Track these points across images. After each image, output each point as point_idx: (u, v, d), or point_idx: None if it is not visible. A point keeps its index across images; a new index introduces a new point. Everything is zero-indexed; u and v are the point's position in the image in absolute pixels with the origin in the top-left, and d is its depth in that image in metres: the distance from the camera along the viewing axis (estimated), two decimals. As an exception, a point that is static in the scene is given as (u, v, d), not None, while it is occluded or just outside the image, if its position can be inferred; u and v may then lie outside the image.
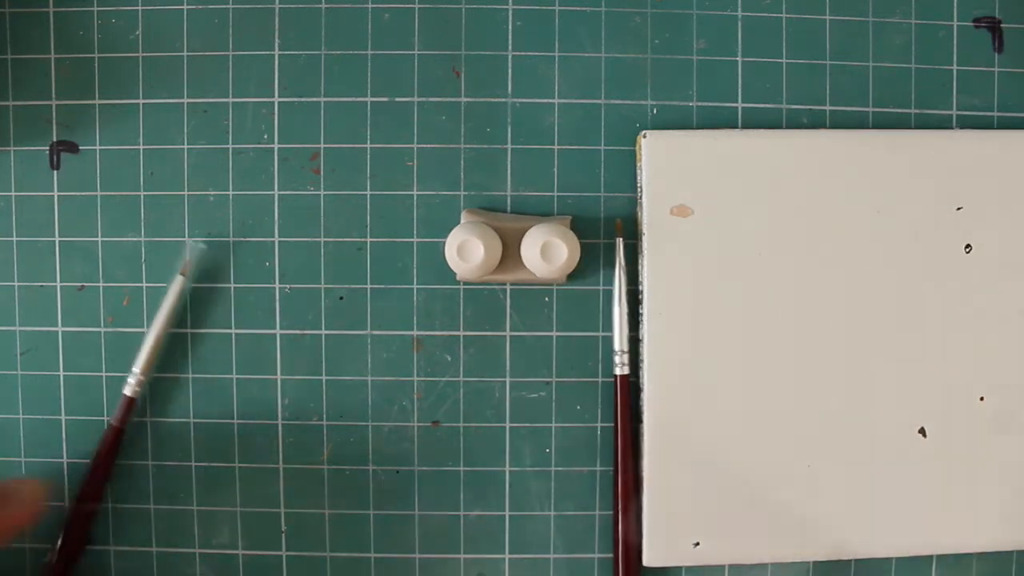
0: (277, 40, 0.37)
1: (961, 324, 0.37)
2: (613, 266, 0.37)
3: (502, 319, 0.37)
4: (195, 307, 0.37)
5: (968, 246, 0.37)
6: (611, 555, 0.38)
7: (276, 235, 0.37)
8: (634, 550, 0.36)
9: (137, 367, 0.36)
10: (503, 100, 0.37)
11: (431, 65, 0.37)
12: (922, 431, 0.37)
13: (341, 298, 0.38)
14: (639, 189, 0.36)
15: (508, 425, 0.38)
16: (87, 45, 0.37)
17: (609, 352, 0.37)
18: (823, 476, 0.36)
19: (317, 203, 0.37)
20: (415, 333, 0.38)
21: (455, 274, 0.37)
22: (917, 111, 0.38)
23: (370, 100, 0.37)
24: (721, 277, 0.36)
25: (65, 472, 0.38)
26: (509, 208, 0.37)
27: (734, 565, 0.38)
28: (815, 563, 0.38)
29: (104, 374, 0.38)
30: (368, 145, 0.37)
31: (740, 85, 0.38)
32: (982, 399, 0.37)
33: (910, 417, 0.37)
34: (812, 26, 0.38)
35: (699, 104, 0.38)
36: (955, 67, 0.38)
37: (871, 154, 0.36)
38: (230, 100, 0.37)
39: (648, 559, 0.36)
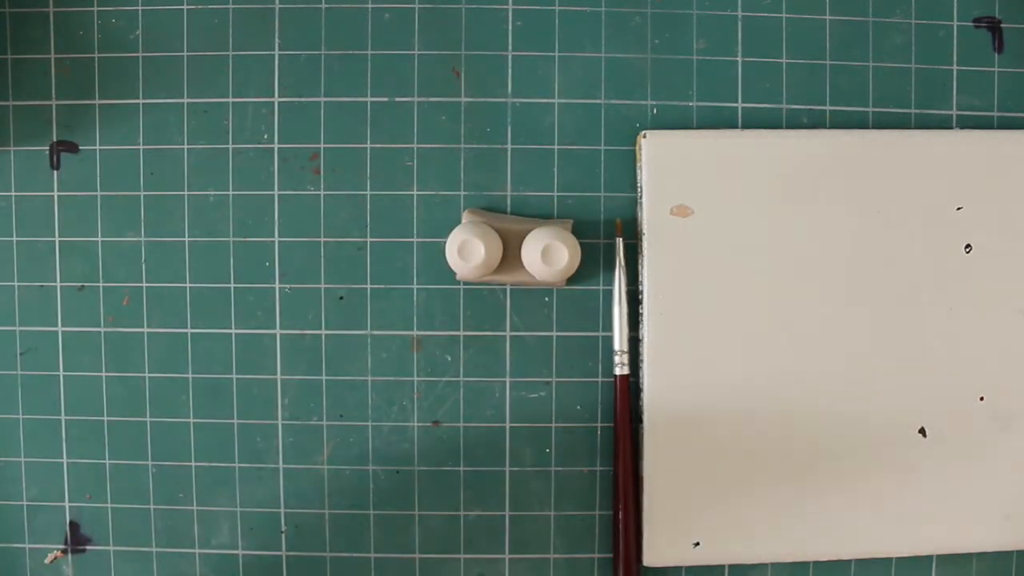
0: (277, 40, 0.37)
1: (961, 324, 0.37)
2: (613, 266, 0.37)
3: (502, 319, 0.37)
4: (195, 307, 0.38)
5: (968, 246, 0.37)
6: (611, 555, 0.38)
7: (276, 235, 0.37)
8: (634, 550, 0.36)
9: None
10: (503, 100, 0.37)
11: (431, 65, 0.37)
12: (922, 431, 0.37)
13: (341, 298, 0.38)
14: (639, 189, 0.36)
15: (508, 425, 0.38)
16: (87, 45, 0.37)
17: (609, 352, 0.37)
18: (823, 476, 0.36)
19: (317, 203, 0.37)
20: (415, 333, 0.38)
21: (455, 274, 0.37)
22: (917, 111, 0.38)
23: (370, 100, 0.37)
24: (721, 277, 0.36)
25: (65, 472, 0.38)
26: (509, 208, 0.37)
27: (734, 565, 0.38)
28: (815, 563, 0.38)
29: (104, 374, 0.38)
30: (368, 145, 0.37)
31: (740, 85, 0.38)
32: (982, 399, 0.37)
33: (910, 417, 0.37)
34: (812, 26, 0.38)
35: (699, 104, 0.38)
36: (955, 67, 0.38)
37: (871, 154, 0.36)
38: (230, 100, 0.37)
39: (648, 559, 0.36)
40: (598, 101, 0.38)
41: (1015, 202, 0.37)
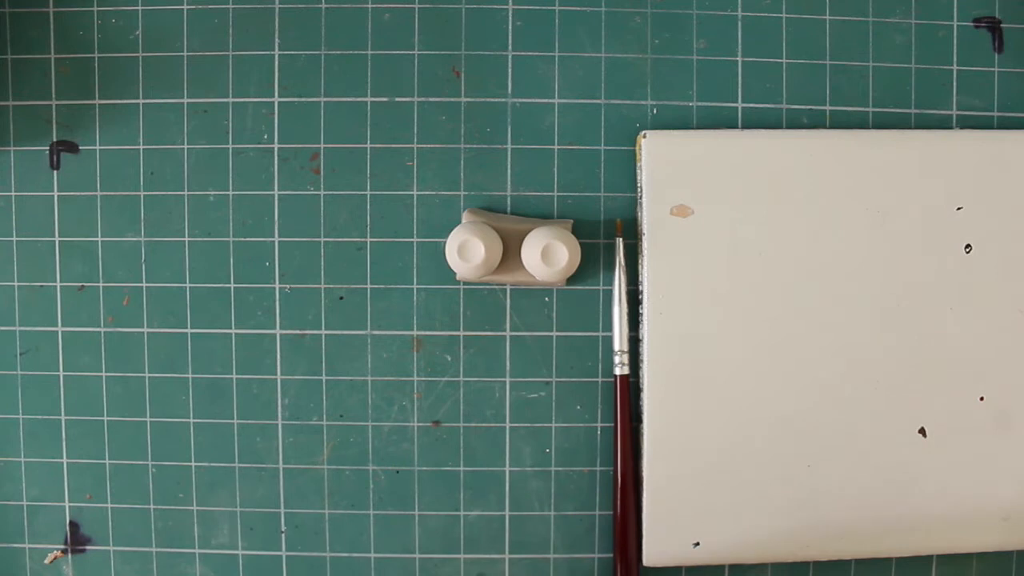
0: (277, 40, 0.37)
1: (961, 324, 0.37)
2: (613, 266, 0.37)
3: (502, 319, 0.37)
4: (195, 307, 0.38)
5: (968, 246, 0.37)
6: (611, 555, 0.38)
7: (276, 235, 0.37)
8: (634, 550, 0.36)
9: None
10: (503, 100, 0.37)
11: (431, 65, 0.37)
12: (922, 431, 0.37)
13: (341, 298, 0.38)
14: (639, 189, 0.36)
15: (508, 425, 0.38)
16: (87, 45, 0.37)
17: (609, 352, 0.37)
18: (823, 476, 0.36)
19: (317, 203, 0.37)
20: (415, 333, 0.38)
21: (455, 274, 0.37)
22: (917, 111, 0.38)
23: (370, 100, 0.37)
24: (721, 277, 0.36)
25: (65, 472, 0.38)
26: (509, 208, 0.37)
27: (734, 565, 0.38)
28: (815, 563, 0.38)
29: (104, 374, 0.38)
30: (368, 145, 0.37)
31: (740, 85, 0.38)
32: (982, 399, 0.37)
33: (910, 417, 0.37)
34: (812, 26, 0.38)
35: (699, 104, 0.38)
36: (955, 67, 0.38)
37: (871, 154, 0.36)
38: (230, 100, 0.37)
39: (648, 559, 0.36)
40: (598, 101, 0.38)
41: (1015, 202, 0.37)
